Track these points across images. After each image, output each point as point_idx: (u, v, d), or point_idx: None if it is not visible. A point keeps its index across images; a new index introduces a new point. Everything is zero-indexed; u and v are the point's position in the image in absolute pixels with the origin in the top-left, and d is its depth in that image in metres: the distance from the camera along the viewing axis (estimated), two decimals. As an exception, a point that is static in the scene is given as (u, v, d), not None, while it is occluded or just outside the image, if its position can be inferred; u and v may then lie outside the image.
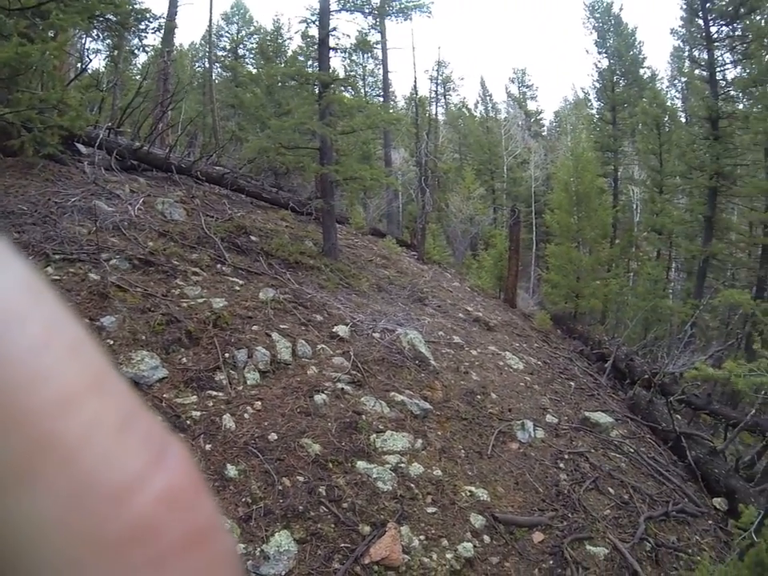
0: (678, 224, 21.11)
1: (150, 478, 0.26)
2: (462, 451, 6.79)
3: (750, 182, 18.70)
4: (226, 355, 6.54)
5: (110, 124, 13.20)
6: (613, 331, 18.71)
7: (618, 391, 13.32)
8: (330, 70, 11.64)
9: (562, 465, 7.49)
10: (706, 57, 20.22)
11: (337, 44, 12.39)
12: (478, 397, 8.24)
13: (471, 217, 26.46)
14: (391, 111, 12.60)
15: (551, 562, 5.74)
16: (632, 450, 8.88)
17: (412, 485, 5.78)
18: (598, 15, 30.73)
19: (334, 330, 8.24)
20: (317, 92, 11.77)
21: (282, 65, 21.14)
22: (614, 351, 14.07)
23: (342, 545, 4.83)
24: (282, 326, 7.64)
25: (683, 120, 26.06)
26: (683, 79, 29.26)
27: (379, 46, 22.49)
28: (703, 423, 13.28)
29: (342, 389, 6.76)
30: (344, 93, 14.40)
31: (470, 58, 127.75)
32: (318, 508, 5.06)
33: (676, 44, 32.40)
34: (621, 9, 30.85)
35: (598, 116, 30.96)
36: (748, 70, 19.03)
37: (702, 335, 16.95)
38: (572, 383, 11.60)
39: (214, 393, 6.03)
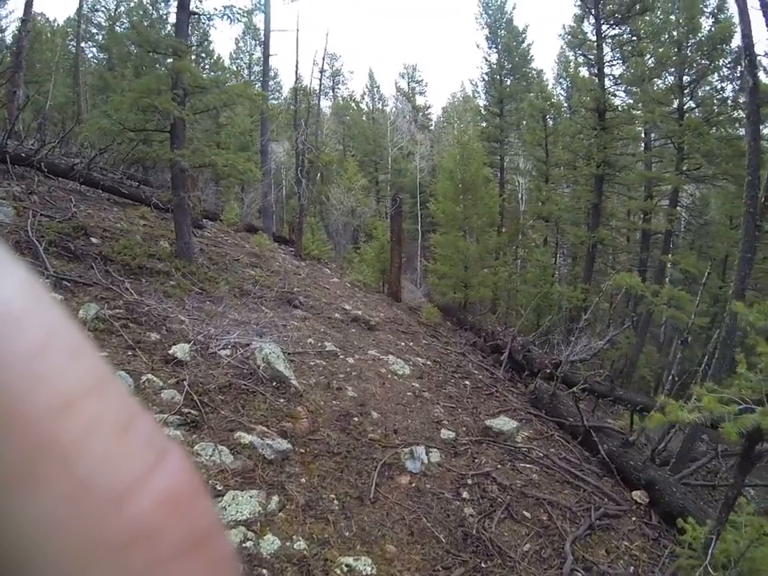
0: (564, 211, 20.48)
1: (149, 480, 0.26)
2: (336, 502, 5.02)
3: (634, 171, 18.44)
4: None
5: None
6: (505, 320, 17.65)
7: (516, 384, 12.18)
8: (190, 41, 9.54)
9: (465, 494, 5.96)
10: (595, 53, 19.81)
11: (197, 7, 10.30)
12: (356, 419, 6.53)
13: (353, 209, 24.84)
14: (255, 89, 10.28)
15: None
16: (542, 455, 7.64)
17: (264, 571, 3.94)
18: (491, 12, 30.07)
19: (170, 351, 6.23)
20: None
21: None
22: (509, 342, 12.87)
23: None
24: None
25: (566, 115, 25.80)
26: (568, 79, 29.23)
27: (262, 27, 20.26)
28: (604, 408, 12.35)
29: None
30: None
31: (361, 53, 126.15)
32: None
33: (562, 47, 32.70)
34: (513, 8, 30.34)
35: (485, 108, 30.22)
36: (632, 69, 18.85)
37: (593, 318, 16.26)
38: (467, 382, 10.28)
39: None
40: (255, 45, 33.69)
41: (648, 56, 19.05)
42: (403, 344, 11.08)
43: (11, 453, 0.22)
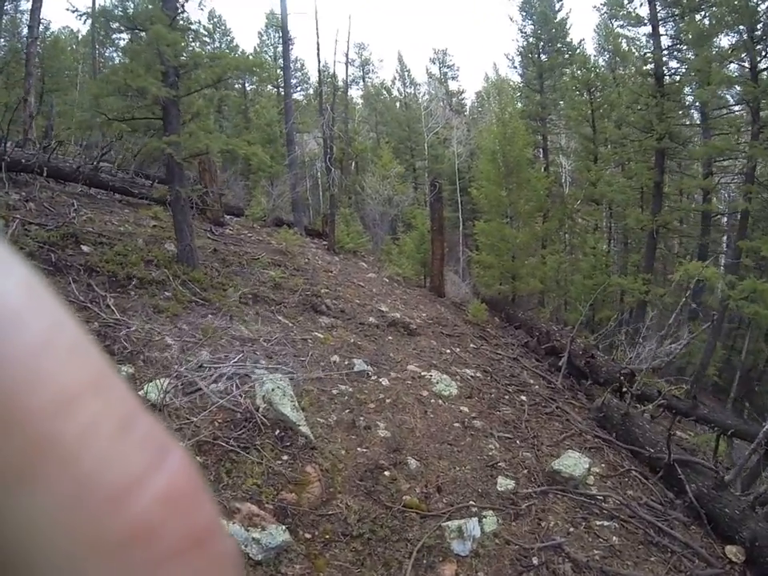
0: (619, 193, 18.23)
1: (149, 478, 0.26)
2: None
3: (705, 143, 16.06)
4: None
5: None
6: (557, 315, 15.68)
7: (577, 394, 10.39)
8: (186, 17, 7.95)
9: (530, 579, 4.26)
10: (648, 10, 17.46)
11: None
12: (386, 474, 4.84)
13: (390, 197, 23.03)
14: (250, 57, 8.47)
15: None
16: (620, 503, 5.89)
17: None
18: None
19: (141, 392, 4.63)
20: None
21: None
22: (567, 345, 10.99)
23: None
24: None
25: (612, 89, 23.31)
26: (611, 49, 26.55)
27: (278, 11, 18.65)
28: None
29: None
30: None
31: (389, 39, 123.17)
32: None
33: (602, 16, 30.10)
34: None
35: (524, 84, 27.82)
36: (690, 27, 16.37)
37: (659, 315, 14.23)
38: (523, 397, 8.57)
39: None
40: (279, 37, 32.15)
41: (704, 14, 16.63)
42: (448, 351, 9.33)
43: (12, 451, 0.22)
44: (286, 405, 4.68)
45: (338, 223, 18.13)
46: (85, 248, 7.77)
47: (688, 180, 19.65)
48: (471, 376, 8.46)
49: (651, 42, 17.36)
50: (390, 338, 8.80)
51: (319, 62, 19.56)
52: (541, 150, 25.92)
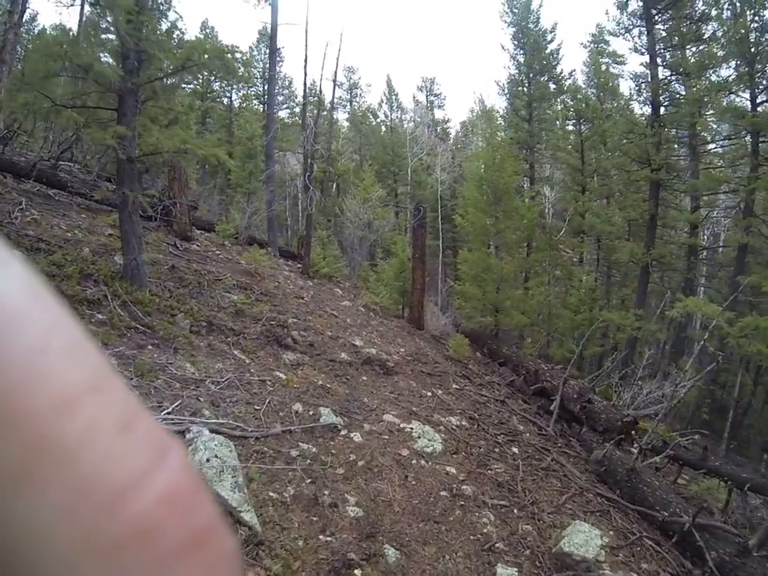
0: (608, 225, 17.35)
1: (149, 478, 0.25)
2: None
3: (706, 174, 15.27)
4: None
5: None
6: (541, 350, 14.56)
7: (569, 440, 9.30)
8: None
9: None
10: (646, 38, 16.79)
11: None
12: (357, 573, 3.62)
13: (369, 222, 21.92)
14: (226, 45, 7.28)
15: None
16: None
17: None
18: (516, 10, 26.99)
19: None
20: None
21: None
22: (560, 387, 9.89)
23: None
24: None
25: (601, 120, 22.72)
26: (600, 80, 26.09)
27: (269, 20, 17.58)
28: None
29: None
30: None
31: (379, 66, 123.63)
32: None
33: (590, 49, 29.74)
34: (540, 6, 26.88)
35: (513, 113, 27.07)
36: (690, 57, 15.74)
37: (653, 353, 13.28)
38: (515, 449, 7.49)
39: None
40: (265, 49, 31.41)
41: (703, 44, 16.03)
42: (429, 394, 8.15)
43: (12, 451, 0.22)
44: (225, 482, 3.44)
45: (315, 246, 16.96)
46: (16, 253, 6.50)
47: (675, 213, 18.93)
48: (456, 425, 7.29)
49: (648, 71, 16.65)
50: (364, 377, 7.60)
51: (305, 74, 18.43)
52: (527, 178, 25.11)
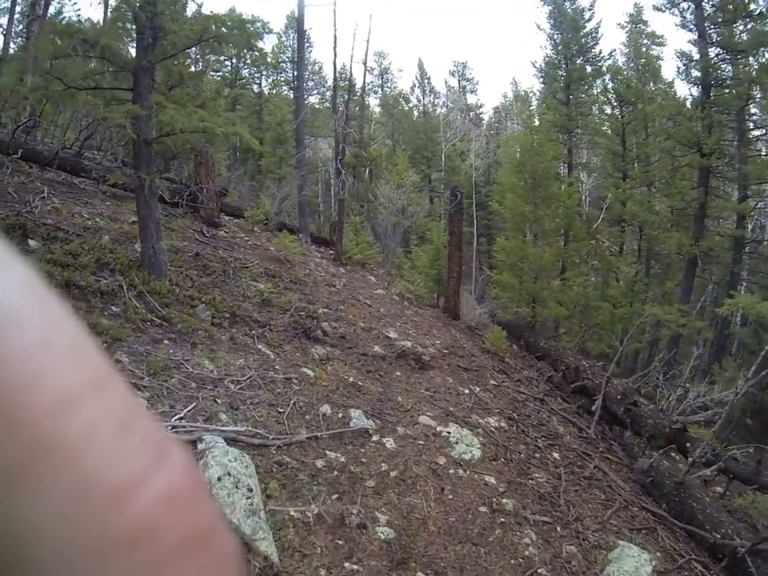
0: (652, 214, 16.41)
1: (149, 479, 0.25)
2: None
3: (755, 161, 14.22)
4: None
5: None
6: (581, 344, 13.85)
7: (611, 444, 8.76)
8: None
9: None
10: (695, 12, 15.69)
11: None
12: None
13: (403, 208, 21.29)
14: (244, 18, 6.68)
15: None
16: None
17: None
18: None
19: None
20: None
21: None
22: (602, 386, 9.27)
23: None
24: None
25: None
26: (641, 61, 24.83)
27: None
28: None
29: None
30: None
31: (409, 50, 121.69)
32: None
33: (630, 30, 28.43)
34: None
35: (551, 95, 25.89)
36: (746, 26, 14.64)
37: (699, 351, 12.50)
38: (556, 454, 7.00)
39: None
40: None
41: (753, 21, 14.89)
42: (467, 391, 7.63)
43: (12, 450, 0.22)
44: (238, 504, 2.97)
45: (347, 232, 16.48)
46: (32, 242, 6.23)
47: (721, 203, 17.86)
48: (495, 427, 6.77)
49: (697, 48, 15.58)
50: (398, 373, 7.09)
51: (335, 56, 17.79)
52: (565, 164, 24.11)
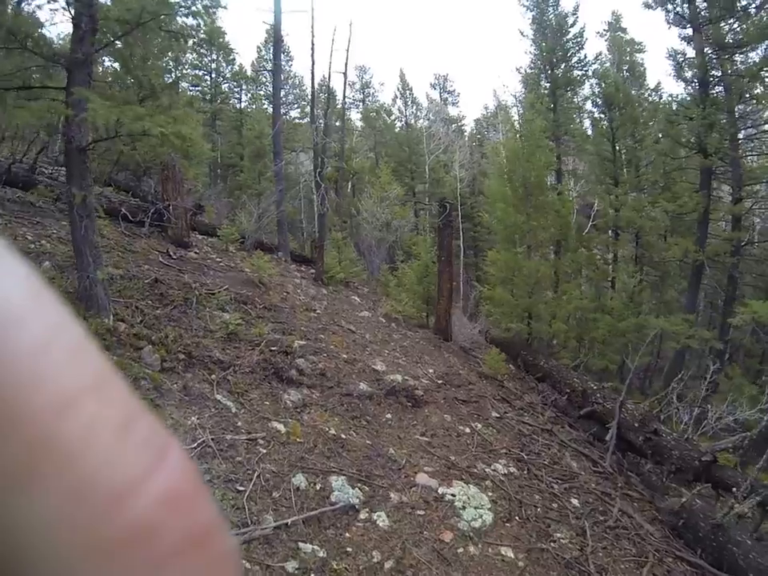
0: (650, 220, 15.51)
1: (150, 479, 0.25)
2: None
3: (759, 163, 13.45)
4: None
5: None
6: (581, 360, 12.82)
7: (629, 477, 7.79)
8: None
9: None
10: (688, 8, 14.93)
11: None
12: None
13: (388, 222, 20.30)
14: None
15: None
16: None
17: None
18: None
19: None
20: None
21: None
22: (616, 413, 8.28)
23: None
24: None
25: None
26: (626, 68, 24.20)
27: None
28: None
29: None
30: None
31: (390, 64, 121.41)
32: None
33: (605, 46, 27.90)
34: None
35: (537, 100, 25.18)
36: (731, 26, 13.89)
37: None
38: (575, 501, 5.99)
39: None
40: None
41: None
42: (468, 431, 6.60)
43: (13, 451, 0.22)
44: None
45: (329, 249, 15.45)
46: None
47: (716, 205, 17.06)
48: (504, 474, 5.75)
49: (692, 45, 14.79)
50: (388, 415, 6.03)
51: (313, 63, 16.87)
52: (554, 171, 23.27)
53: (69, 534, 0.23)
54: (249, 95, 32.60)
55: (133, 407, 0.26)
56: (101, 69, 9.86)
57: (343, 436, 4.98)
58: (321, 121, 15.75)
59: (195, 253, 10.82)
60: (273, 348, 6.26)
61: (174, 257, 9.66)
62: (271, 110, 29.24)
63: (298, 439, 4.63)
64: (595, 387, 9.80)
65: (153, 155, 9.46)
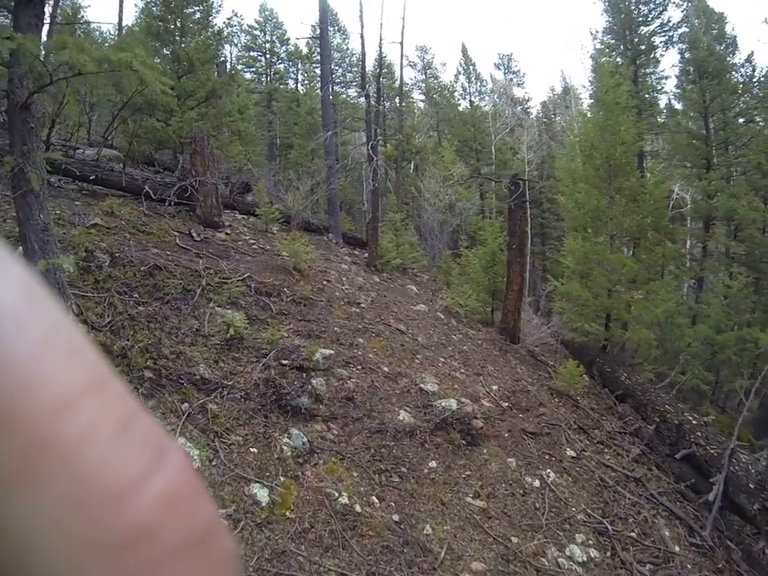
0: (754, 210, 13.12)
1: (148, 480, 0.25)
2: None
3: None
4: None
5: None
6: (672, 378, 10.72)
7: (730, 552, 5.99)
8: None
9: None
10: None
11: None
12: None
13: (451, 204, 18.52)
14: None
15: None
16: None
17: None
18: None
19: None
20: None
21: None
22: (725, 464, 6.44)
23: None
24: None
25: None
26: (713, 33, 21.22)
27: None
28: None
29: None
30: None
31: (451, 45, 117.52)
32: None
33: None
34: None
35: (616, 71, 22.44)
36: None
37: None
38: None
39: None
40: (335, 30, 29.42)
41: None
42: (537, 484, 4.95)
43: (11, 452, 0.22)
44: None
45: (386, 231, 13.88)
46: None
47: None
48: (581, 562, 4.06)
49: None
50: (432, 464, 4.44)
51: (362, 26, 15.25)
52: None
53: (68, 536, 0.23)
54: (303, 75, 31.63)
55: (131, 408, 0.26)
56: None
57: (358, 508, 3.43)
58: (369, 77, 14.07)
59: (227, 234, 9.47)
60: (284, 361, 4.75)
61: (198, 239, 8.34)
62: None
63: (286, 514, 3.11)
64: (695, 422, 7.87)
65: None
